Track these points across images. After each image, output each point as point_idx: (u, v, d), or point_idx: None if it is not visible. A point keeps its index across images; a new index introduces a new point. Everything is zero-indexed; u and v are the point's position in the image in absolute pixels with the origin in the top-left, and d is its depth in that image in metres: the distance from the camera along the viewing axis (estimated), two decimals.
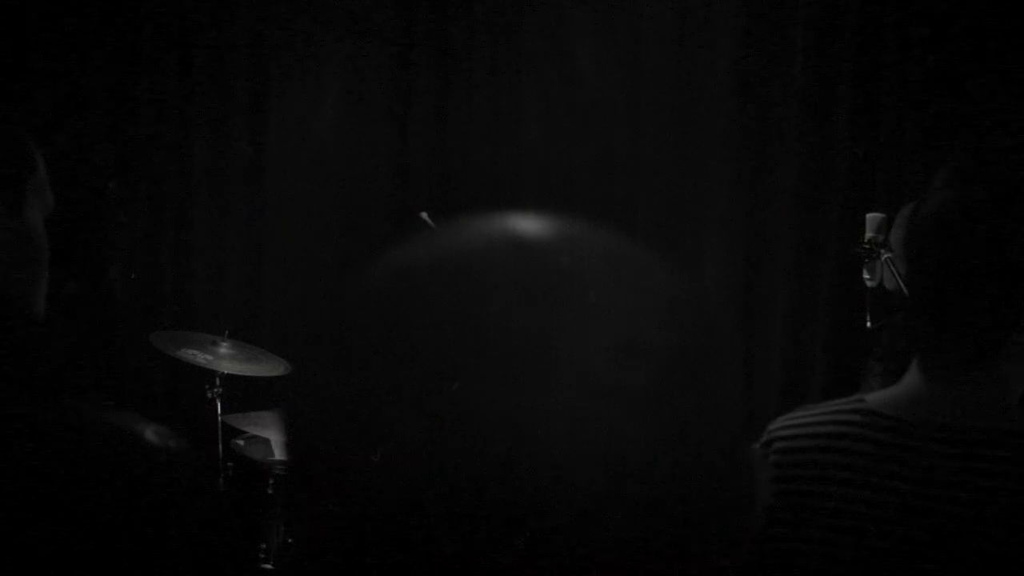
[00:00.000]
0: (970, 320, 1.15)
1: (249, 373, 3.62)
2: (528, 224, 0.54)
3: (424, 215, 3.47)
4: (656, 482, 0.48)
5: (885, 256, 2.79)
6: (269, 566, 3.48)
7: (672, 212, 4.14)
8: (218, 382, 3.53)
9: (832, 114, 3.79)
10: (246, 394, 3.86)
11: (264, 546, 3.52)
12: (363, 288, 0.53)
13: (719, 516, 0.50)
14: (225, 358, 3.59)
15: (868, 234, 2.86)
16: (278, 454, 3.64)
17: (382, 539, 0.48)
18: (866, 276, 2.90)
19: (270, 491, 3.51)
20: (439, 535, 0.47)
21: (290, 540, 3.45)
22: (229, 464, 3.56)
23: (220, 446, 3.50)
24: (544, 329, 0.48)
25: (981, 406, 1.15)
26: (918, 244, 1.20)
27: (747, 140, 4.00)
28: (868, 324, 3.01)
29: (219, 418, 3.50)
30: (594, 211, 4.12)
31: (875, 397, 1.20)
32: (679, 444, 0.49)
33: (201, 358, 3.52)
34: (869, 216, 2.90)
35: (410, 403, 0.48)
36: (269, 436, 3.56)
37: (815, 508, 1.14)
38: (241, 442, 3.65)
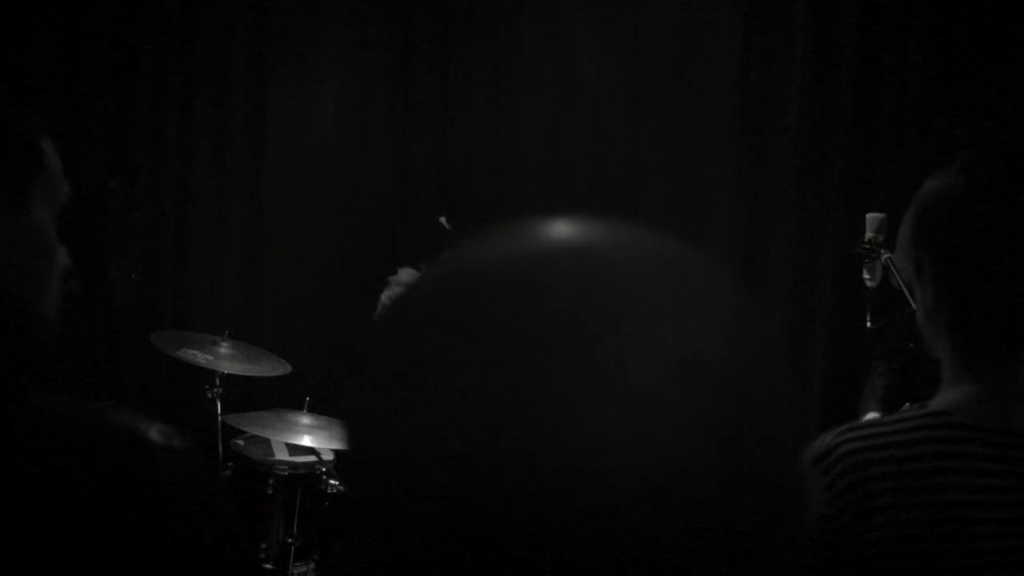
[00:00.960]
0: (1003, 307, 1.16)
1: (249, 373, 3.62)
2: (582, 229, 0.53)
3: (443, 220, 3.48)
4: (706, 500, 0.47)
5: (885, 256, 2.79)
6: (269, 566, 3.48)
7: (672, 212, 4.14)
8: (218, 382, 3.53)
9: (832, 114, 3.79)
10: (246, 394, 3.86)
11: (264, 546, 3.52)
12: (420, 293, 0.52)
13: (771, 532, 0.49)
14: (225, 358, 3.59)
15: (868, 234, 2.86)
16: (278, 454, 3.64)
17: (428, 547, 0.47)
18: (866, 276, 2.89)
19: (270, 491, 3.51)
20: (489, 544, 0.46)
21: (289, 540, 3.45)
22: (229, 464, 3.56)
23: (220, 446, 3.50)
24: (601, 339, 0.47)
25: None
26: (930, 229, 1.20)
27: (747, 140, 4.00)
28: (868, 324, 3.01)
29: (219, 418, 3.50)
30: (594, 211, 4.12)
31: (944, 403, 1.19)
32: (734, 460, 0.48)
33: (201, 358, 3.52)
34: (869, 216, 2.90)
35: (464, 412, 0.47)
36: (270, 436, 3.56)
37: (908, 520, 1.12)
38: (241, 442, 3.65)
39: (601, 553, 0.45)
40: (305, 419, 3.48)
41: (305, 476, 3.53)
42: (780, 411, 0.50)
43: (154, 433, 0.85)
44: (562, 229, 0.52)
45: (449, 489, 0.46)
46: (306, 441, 3.37)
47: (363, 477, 0.50)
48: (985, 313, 1.17)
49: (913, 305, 1.32)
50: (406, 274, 4.15)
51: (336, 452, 3.56)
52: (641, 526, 0.45)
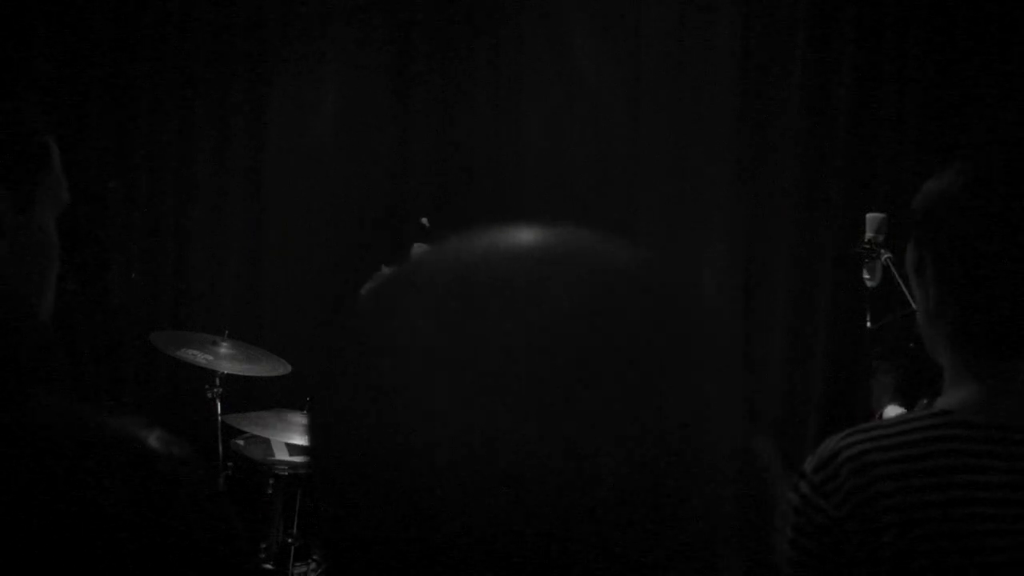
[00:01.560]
0: (1005, 307, 1.16)
1: (249, 373, 3.62)
2: (498, 235, 0.55)
3: (424, 221, 3.48)
4: (657, 484, 0.48)
5: (885, 256, 2.79)
6: (269, 566, 3.48)
7: (672, 212, 4.14)
8: (218, 382, 3.53)
9: (832, 114, 3.79)
10: (246, 394, 3.86)
11: (264, 546, 3.52)
12: (410, 297, 0.54)
13: (719, 517, 0.50)
14: (225, 358, 3.59)
15: (868, 234, 2.86)
16: (278, 454, 3.64)
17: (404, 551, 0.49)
18: (866, 276, 2.90)
19: (270, 491, 3.51)
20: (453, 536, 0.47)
21: (289, 540, 3.45)
22: (229, 464, 3.56)
23: (220, 446, 3.50)
24: (455, 326, 0.50)
25: None
26: (931, 230, 1.20)
27: (747, 140, 4.00)
28: (868, 324, 3.01)
29: (219, 418, 3.50)
30: (594, 211, 4.12)
31: (949, 403, 1.19)
32: (679, 443, 0.48)
33: (201, 358, 3.52)
34: (869, 216, 2.90)
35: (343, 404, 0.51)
36: (270, 436, 3.55)
37: (918, 519, 1.12)
38: (241, 442, 3.65)
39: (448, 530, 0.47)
40: (305, 419, 3.48)
41: (305, 476, 3.51)
42: (721, 390, 0.51)
43: (153, 440, 0.84)
44: (486, 235, 0.55)
45: (352, 478, 0.51)
46: (306, 441, 3.36)
47: (314, 467, 0.55)
48: (987, 313, 1.17)
49: (913, 305, 1.31)
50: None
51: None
52: (478, 502, 0.47)
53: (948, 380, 1.21)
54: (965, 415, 1.16)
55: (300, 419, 3.48)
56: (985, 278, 1.16)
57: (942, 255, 1.19)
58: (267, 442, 3.66)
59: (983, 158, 1.19)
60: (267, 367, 3.67)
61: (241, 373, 3.58)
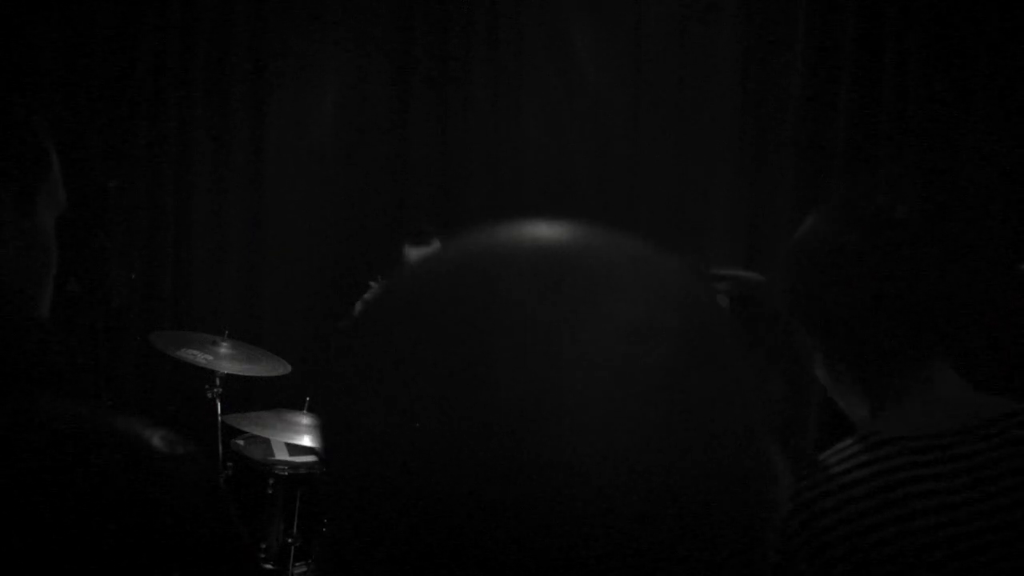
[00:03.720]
0: (890, 323, 1.21)
1: (249, 373, 3.62)
2: (544, 227, 0.55)
3: (421, 228, 3.54)
4: (669, 471, 0.47)
5: None
6: (269, 566, 3.48)
7: (672, 212, 4.14)
8: (218, 382, 3.53)
9: (832, 113, 3.79)
10: (246, 394, 3.86)
11: (264, 546, 3.52)
12: (392, 293, 0.54)
13: (735, 509, 0.50)
14: (225, 358, 3.59)
15: None
16: (278, 454, 3.64)
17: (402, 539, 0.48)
18: None
19: (270, 491, 3.51)
20: (458, 532, 0.47)
21: (289, 540, 3.45)
22: (229, 464, 3.56)
23: (220, 446, 3.50)
24: (553, 314, 0.48)
25: (971, 405, 1.22)
26: (795, 276, 1.29)
27: (747, 139, 4.00)
28: None
29: (219, 418, 3.50)
30: (594, 211, 4.12)
31: (874, 426, 1.22)
32: (693, 431, 0.48)
33: (201, 358, 3.52)
34: None
35: (423, 399, 0.48)
36: (270, 436, 3.56)
37: (869, 545, 1.12)
38: (241, 442, 3.65)
39: (563, 522, 0.46)
40: (305, 419, 3.48)
41: (305, 476, 3.53)
42: (734, 379, 0.51)
43: (157, 440, 0.84)
44: (524, 228, 0.55)
45: (410, 484, 0.48)
46: (306, 441, 3.37)
47: (342, 473, 0.52)
48: (876, 338, 1.22)
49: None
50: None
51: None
52: (597, 489, 0.46)
53: (870, 414, 1.25)
54: (889, 432, 1.19)
55: (300, 419, 3.48)
56: (855, 303, 1.22)
57: (816, 321, 1.28)
58: (267, 442, 3.66)
59: (838, 214, 1.27)
60: (267, 367, 3.67)
61: (241, 373, 3.59)
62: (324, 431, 0.54)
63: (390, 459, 0.48)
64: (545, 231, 0.54)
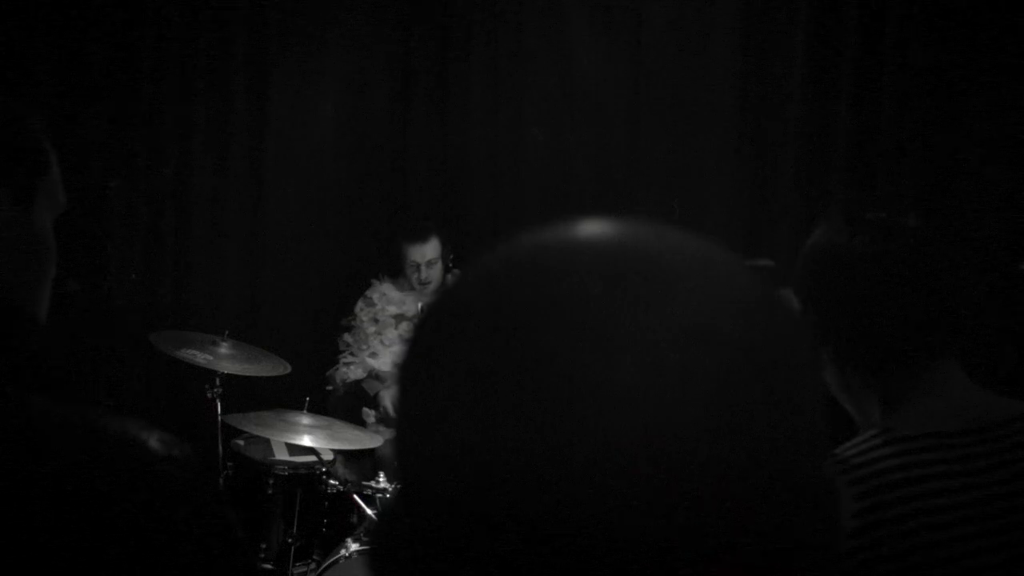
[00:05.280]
0: (894, 324, 1.23)
1: (249, 373, 3.61)
2: (603, 225, 0.56)
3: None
4: (720, 483, 0.47)
5: None
6: (269, 566, 3.48)
7: (672, 212, 4.14)
8: (218, 382, 3.53)
9: (833, 113, 3.79)
10: (246, 394, 3.86)
11: (264, 546, 3.52)
12: (461, 298, 0.54)
13: (797, 531, 0.48)
14: (225, 358, 3.58)
15: None
16: (278, 454, 3.64)
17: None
18: None
19: (270, 491, 3.51)
20: (503, 528, 0.47)
21: (289, 540, 3.45)
22: (229, 464, 3.56)
23: (220, 446, 3.50)
24: (618, 312, 0.48)
25: (991, 403, 1.23)
26: (808, 283, 1.33)
27: (747, 140, 4.00)
28: None
29: (219, 418, 3.50)
30: (594, 211, 4.11)
31: (889, 422, 1.23)
32: (743, 445, 0.47)
33: (201, 358, 3.51)
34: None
35: (473, 393, 0.48)
36: (270, 436, 3.55)
37: (878, 539, 1.13)
38: (241, 442, 3.65)
39: (613, 522, 0.46)
40: (305, 419, 3.48)
41: (305, 476, 3.53)
42: (798, 384, 0.50)
43: (154, 442, 0.84)
44: (583, 226, 0.56)
45: (454, 480, 0.48)
46: (306, 441, 3.36)
47: (421, 476, 0.51)
48: (883, 338, 1.23)
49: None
50: (385, 287, 4.16)
51: (342, 450, 3.56)
52: (648, 487, 0.45)
53: (884, 412, 1.26)
54: (904, 429, 1.20)
55: (300, 419, 3.48)
56: (865, 307, 1.24)
57: (825, 306, 1.29)
58: (267, 442, 3.65)
59: (847, 224, 1.29)
60: (267, 367, 3.67)
61: (241, 373, 3.58)
62: (409, 454, 0.52)
63: (482, 472, 0.47)
64: (611, 229, 0.55)
